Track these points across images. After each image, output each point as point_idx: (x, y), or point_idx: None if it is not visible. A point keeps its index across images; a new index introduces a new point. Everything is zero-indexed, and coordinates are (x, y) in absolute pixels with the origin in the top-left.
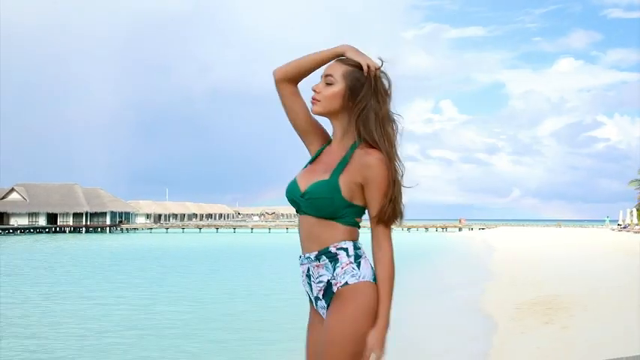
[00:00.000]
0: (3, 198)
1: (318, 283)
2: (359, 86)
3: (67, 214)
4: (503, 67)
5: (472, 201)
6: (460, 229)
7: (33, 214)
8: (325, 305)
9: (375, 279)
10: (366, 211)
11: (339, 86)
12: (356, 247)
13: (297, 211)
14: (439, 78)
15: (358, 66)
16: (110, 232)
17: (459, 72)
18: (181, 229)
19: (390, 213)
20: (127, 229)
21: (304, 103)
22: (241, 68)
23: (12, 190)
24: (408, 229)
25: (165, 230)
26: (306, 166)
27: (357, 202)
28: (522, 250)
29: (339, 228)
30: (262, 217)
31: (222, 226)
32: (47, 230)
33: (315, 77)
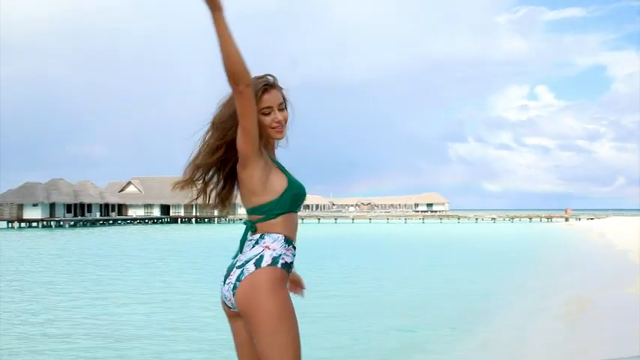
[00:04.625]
0: (121, 190)
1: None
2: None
3: (178, 206)
4: (605, 49)
5: (572, 190)
6: (567, 220)
7: (148, 206)
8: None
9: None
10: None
11: (287, 111)
12: None
13: (293, 209)
14: (534, 63)
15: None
16: (217, 222)
17: (556, 56)
18: None
19: None
20: (232, 219)
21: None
22: (329, 61)
23: (129, 183)
24: (511, 219)
25: None
26: (284, 169)
27: None
28: None
29: None
30: (358, 207)
31: (323, 217)
32: (161, 220)
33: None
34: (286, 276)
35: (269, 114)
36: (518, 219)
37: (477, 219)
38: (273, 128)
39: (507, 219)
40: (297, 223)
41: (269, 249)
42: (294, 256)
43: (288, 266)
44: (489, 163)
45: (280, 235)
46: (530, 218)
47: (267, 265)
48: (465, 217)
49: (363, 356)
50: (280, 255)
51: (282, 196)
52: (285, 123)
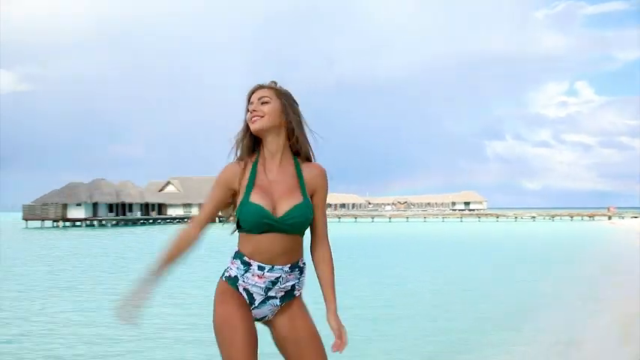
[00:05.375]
0: (161, 190)
1: (283, 287)
2: (289, 105)
3: None
4: None
5: (613, 188)
6: (609, 218)
7: (187, 205)
8: (278, 304)
9: None
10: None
11: (275, 103)
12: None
13: (261, 232)
14: (574, 58)
15: (281, 88)
16: None
17: (597, 50)
18: None
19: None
20: None
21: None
22: (366, 59)
23: (168, 183)
24: (552, 217)
25: None
26: (251, 189)
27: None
28: None
29: (300, 242)
30: (394, 206)
31: (360, 216)
32: None
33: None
34: (230, 288)
35: (251, 110)
36: (559, 217)
37: (516, 217)
38: (250, 120)
39: (548, 217)
40: (279, 245)
41: (230, 263)
42: (270, 273)
43: (232, 280)
44: (528, 160)
45: (239, 252)
46: (572, 217)
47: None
48: (504, 216)
49: (410, 355)
50: (227, 268)
51: (236, 214)
52: (268, 115)
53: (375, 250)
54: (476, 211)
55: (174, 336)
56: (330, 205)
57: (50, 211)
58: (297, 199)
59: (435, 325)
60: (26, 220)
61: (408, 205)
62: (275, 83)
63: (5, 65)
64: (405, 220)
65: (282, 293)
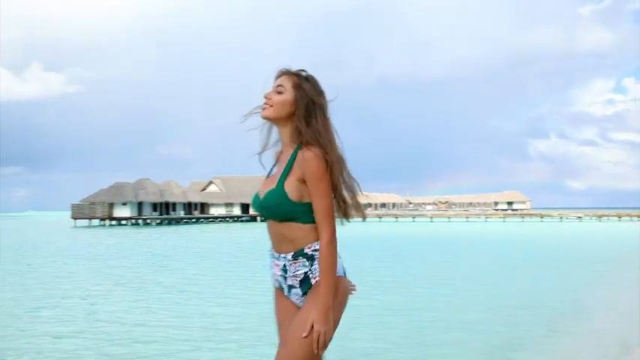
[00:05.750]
0: (203, 190)
1: (294, 276)
2: (303, 97)
3: None
4: None
5: None
6: None
7: (229, 204)
8: (300, 293)
9: (344, 272)
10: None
11: (288, 95)
12: None
13: (264, 219)
14: (621, 55)
15: (308, 76)
16: None
17: None
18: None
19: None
20: None
21: None
22: (407, 57)
23: (210, 182)
24: (599, 217)
25: None
26: (266, 178)
27: (308, 199)
28: None
29: (303, 229)
30: (435, 206)
31: (401, 216)
32: (241, 219)
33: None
34: (275, 283)
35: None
36: (606, 218)
37: (561, 218)
38: (262, 107)
39: (594, 218)
40: (275, 232)
41: None
42: (277, 260)
43: (281, 271)
44: (573, 160)
45: None
46: (620, 217)
47: None
48: (549, 216)
49: (461, 356)
50: None
51: None
52: (279, 104)
53: (421, 249)
54: (519, 211)
55: (221, 337)
56: (370, 205)
57: (97, 210)
58: (272, 186)
59: (486, 328)
60: (75, 219)
61: (449, 204)
62: (303, 71)
63: (55, 68)
64: (447, 220)
65: (297, 282)
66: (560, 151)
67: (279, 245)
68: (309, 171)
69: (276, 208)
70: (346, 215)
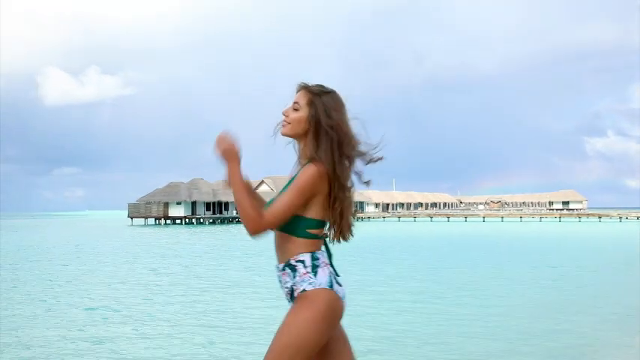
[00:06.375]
0: (255, 189)
1: (285, 288)
2: (317, 114)
3: None
4: None
5: None
6: None
7: None
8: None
9: (331, 285)
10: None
11: (303, 112)
12: (314, 258)
13: None
14: None
15: (321, 92)
16: None
17: None
18: (413, 218)
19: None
20: (360, 217)
21: None
22: (456, 55)
23: (262, 182)
24: None
25: (397, 219)
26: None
27: (306, 214)
28: None
29: (296, 242)
30: (487, 205)
31: (453, 215)
32: None
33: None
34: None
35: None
36: None
37: (620, 218)
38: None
39: None
40: (276, 242)
41: None
42: (276, 271)
43: (279, 283)
44: (631, 158)
45: None
46: None
47: None
48: (607, 216)
49: (527, 356)
50: None
51: None
52: (295, 122)
53: (485, 249)
54: (576, 211)
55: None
56: (420, 204)
57: (153, 210)
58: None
59: (554, 326)
60: (131, 217)
61: (501, 204)
62: (320, 87)
63: (111, 70)
64: (500, 219)
65: (289, 296)
66: (617, 149)
67: (277, 256)
68: (298, 175)
69: None
70: (343, 237)
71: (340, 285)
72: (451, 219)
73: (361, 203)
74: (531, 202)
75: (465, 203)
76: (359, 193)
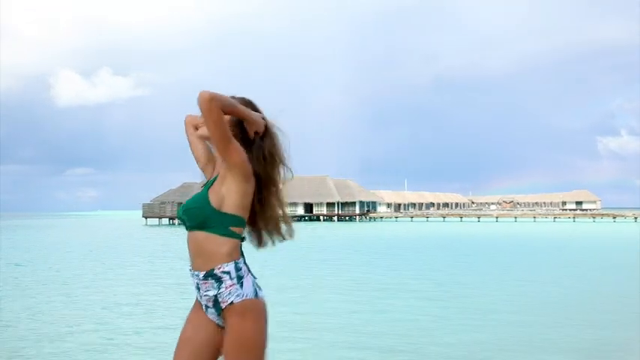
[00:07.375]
0: None
1: (204, 296)
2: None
3: (320, 204)
4: None
5: None
6: None
7: (293, 204)
8: (216, 313)
9: (256, 294)
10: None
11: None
12: (237, 269)
13: (186, 229)
14: None
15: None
16: (359, 220)
17: None
18: (425, 218)
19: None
20: (373, 217)
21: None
22: (467, 54)
23: None
24: None
25: (409, 219)
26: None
27: (227, 209)
28: None
29: (217, 242)
30: (500, 205)
31: (465, 215)
32: (305, 218)
33: None
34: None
35: None
36: None
37: (636, 218)
38: None
39: None
40: (193, 245)
41: None
42: (192, 277)
43: (196, 289)
44: None
45: None
46: None
47: None
48: (622, 216)
49: (552, 353)
50: None
51: None
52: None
53: (501, 250)
54: (589, 211)
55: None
56: (432, 205)
57: (167, 210)
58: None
59: (578, 330)
60: (146, 217)
61: (514, 204)
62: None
63: (123, 72)
64: (513, 220)
65: (210, 302)
66: (631, 149)
67: (194, 260)
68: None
69: (196, 211)
70: (277, 230)
71: (260, 289)
72: (464, 219)
73: (373, 203)
74: (544, 203)
75: (477, 203)
76: (372, 194)
